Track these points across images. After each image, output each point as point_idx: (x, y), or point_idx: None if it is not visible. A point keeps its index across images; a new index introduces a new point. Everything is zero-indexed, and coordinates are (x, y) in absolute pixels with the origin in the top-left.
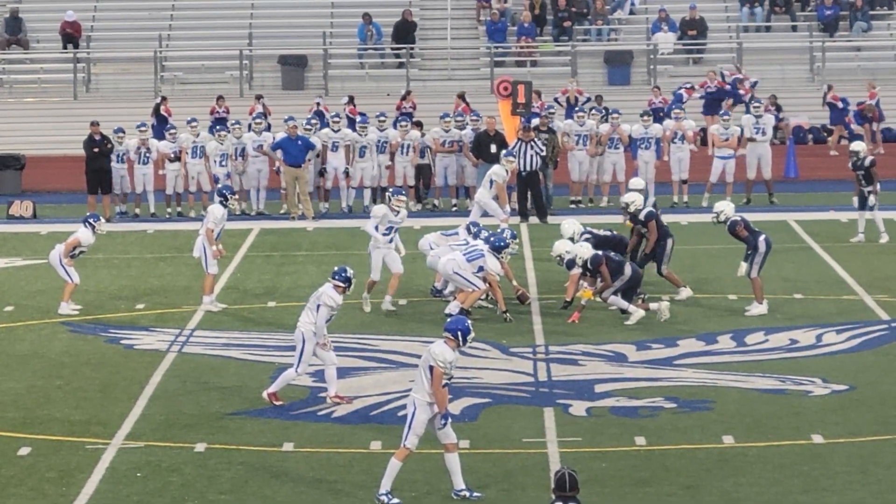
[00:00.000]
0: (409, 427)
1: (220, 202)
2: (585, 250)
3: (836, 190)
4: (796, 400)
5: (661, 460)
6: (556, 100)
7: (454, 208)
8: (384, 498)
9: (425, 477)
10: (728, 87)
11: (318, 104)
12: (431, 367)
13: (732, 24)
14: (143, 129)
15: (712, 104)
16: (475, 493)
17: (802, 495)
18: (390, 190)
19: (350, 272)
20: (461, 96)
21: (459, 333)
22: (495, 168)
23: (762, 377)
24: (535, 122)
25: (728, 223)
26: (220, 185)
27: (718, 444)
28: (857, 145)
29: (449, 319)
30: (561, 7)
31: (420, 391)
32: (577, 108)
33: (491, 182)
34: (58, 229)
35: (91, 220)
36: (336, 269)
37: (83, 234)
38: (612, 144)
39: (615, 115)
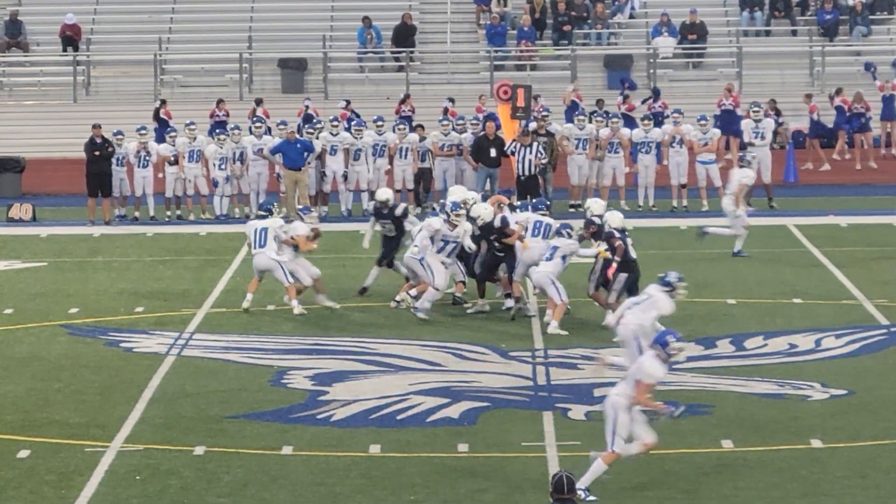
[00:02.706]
0: (614, 432)
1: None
2: (616, 219)
3: (835, 194)
4: (795, 404)
5: (659, 465)
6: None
7: None
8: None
9: (424, 480)
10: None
11: (306, 107)
12: (638, 379)
13: (732, 29)
14: (142, 132)
15: (727, 121)
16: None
17: (801, 500)
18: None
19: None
20: (481, 97)
21: (663, 345)
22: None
23: (761, 381)
24: (533, 125)
25: (606, 232)
26: (261, 202)
27: (717, 448)
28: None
29: (659, 331)
30: (561, 11)
31: (622, 395)
32: (577, 112)
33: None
34: (57, 232)
35: None
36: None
37: None
38: (611, 149)
39: (615, 120)
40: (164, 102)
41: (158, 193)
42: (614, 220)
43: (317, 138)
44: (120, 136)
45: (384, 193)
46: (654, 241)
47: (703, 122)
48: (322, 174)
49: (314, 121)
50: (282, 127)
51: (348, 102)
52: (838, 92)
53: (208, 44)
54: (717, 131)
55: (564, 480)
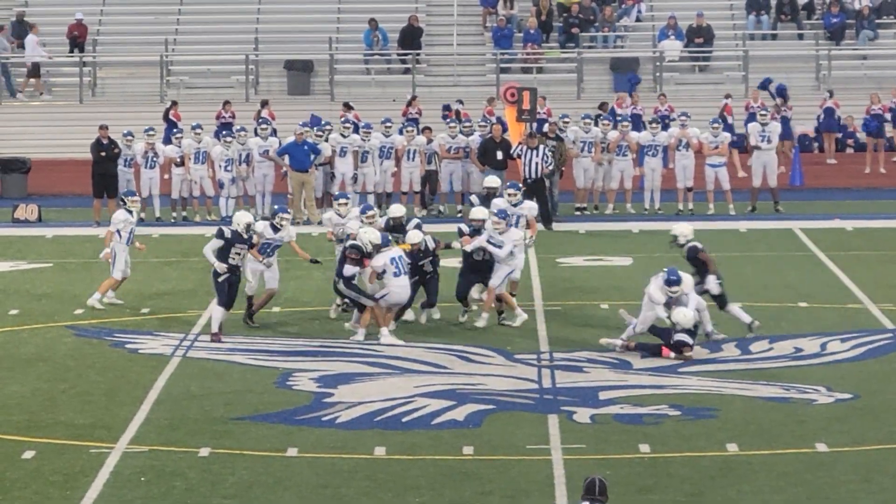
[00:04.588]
0: None
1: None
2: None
3: (841, 198)
4: (801, 408)
5: (665, 468)
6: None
7: (459, 214)
8: None
9: (429, 483)
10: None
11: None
12: None
13: (739, 32)
14: (150, 133)
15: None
16: None
17: None
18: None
19: None
20: (490, 100)
21: None
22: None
23: (766, 385)
24: (546, 127)
25: (688, 248)
26: (123, 190)
27: (723, 451)
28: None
29: None
30: (574, 13)
31: None
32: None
33: None
34: (63, 233)
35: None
36: None
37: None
38: (619, 151)
39: (625, 123)
40: (174, 104)
41: (164, 195)
42: (395, 211)
43: (326, 140)
44: (130, 138)
45: (399, 210)
46: (660, 244)
47: (715, 125)
48: (331, 175)
49: (322, 123)
50: (298, 129)
51: (349, 107)
52: (830, 95)
53: (214, 45)
54: (728, 135)
55: (597, 483)
